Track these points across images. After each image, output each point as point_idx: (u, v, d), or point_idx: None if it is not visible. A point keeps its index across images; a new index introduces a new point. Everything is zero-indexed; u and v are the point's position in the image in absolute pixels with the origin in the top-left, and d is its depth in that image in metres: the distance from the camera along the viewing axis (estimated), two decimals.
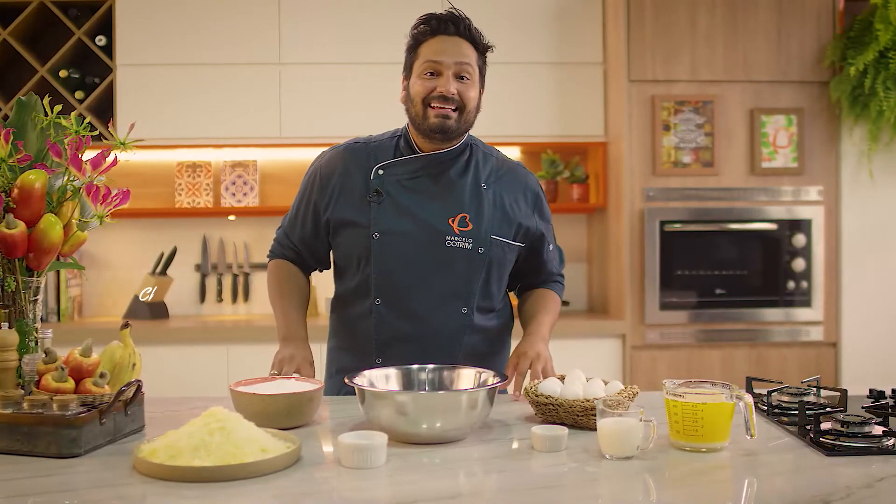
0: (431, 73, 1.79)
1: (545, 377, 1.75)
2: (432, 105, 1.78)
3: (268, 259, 2.03)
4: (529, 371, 1.78)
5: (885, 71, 3.32)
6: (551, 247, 2.01)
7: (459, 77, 1.79)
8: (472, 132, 1.96)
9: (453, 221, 1.83)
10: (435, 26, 1.80)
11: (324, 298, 3.71)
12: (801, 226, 3.50)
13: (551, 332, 1.95)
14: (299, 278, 1.99)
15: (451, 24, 1.79)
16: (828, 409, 1.47)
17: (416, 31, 1.83)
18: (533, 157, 3.88)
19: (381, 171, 1.85)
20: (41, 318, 1.57)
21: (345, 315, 1.92)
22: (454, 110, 1.79)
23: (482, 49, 1.84)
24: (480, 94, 1.86)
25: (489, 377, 1.56)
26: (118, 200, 1.55)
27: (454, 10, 1.82)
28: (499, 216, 1.87)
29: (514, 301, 2.08)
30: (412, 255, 1.81)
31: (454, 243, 1.82)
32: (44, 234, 1.50)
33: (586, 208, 3.82)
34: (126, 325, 1.56)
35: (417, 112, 1.81)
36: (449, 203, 1.84)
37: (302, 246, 1.96)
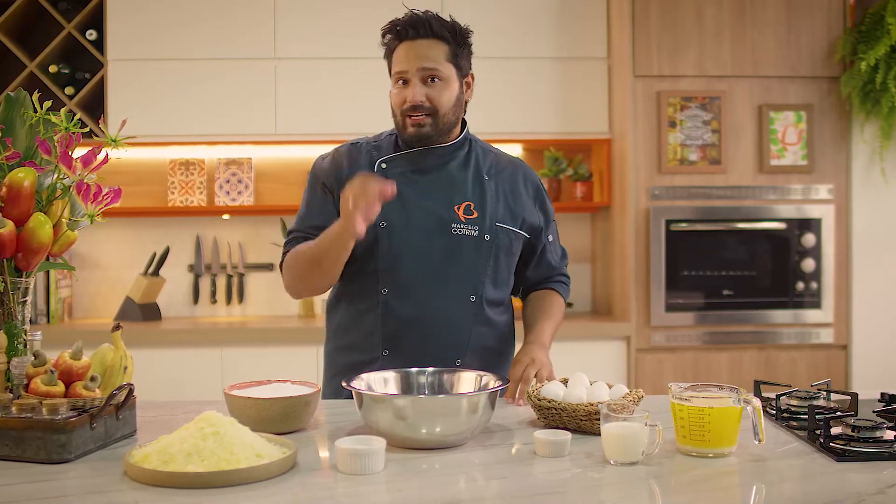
0: (403, 82, 1.82)
1: (540, 382, 1.72)
2: (408, 115, 1.80)
3: (280, 261, 1.90)
4: (525, 377, 1.76)
5: None
6: (551, 238, 2.00)
7: (430, 80, 1.79)
8: (472, 130, 1.96)
9: (458, 209, 1.84)
10: (398, 34, 1.82)
11: (320, 301, 3.69)
12: (810, 225, 3.46)
13: (553, 338, 1.93)
14: None
15: (410, 29, 1.81)
16: (838, 414, 1.45)
17: (384, 40, 1.85)
18: (535, 155, 3.86)
19: (384, 165, 1.88)
20: (30, 320, 1.56)
21: (347, 314, 1.90)
22: (427, 115, 1.80)
23: (455, 39, 1.82)
24: (467, 83, 1.87)
25: (490, 380, 1.55)
26: (109, 199, 1.54)
27: (415, 12, 1.82)
28: (502, 205, 1.89)
29: (518, 304, 2.05)
30: (419, 243, 1.82)
31: (460, 231, 1.83)
32: (33, 234, 1.48)
33: (590, 207, 3.79)
34: (117, 327, 1.55)
35: (397, 122, 1.85)
36: (453, 192, 1.86)
37: (320, 233, 1.82)
